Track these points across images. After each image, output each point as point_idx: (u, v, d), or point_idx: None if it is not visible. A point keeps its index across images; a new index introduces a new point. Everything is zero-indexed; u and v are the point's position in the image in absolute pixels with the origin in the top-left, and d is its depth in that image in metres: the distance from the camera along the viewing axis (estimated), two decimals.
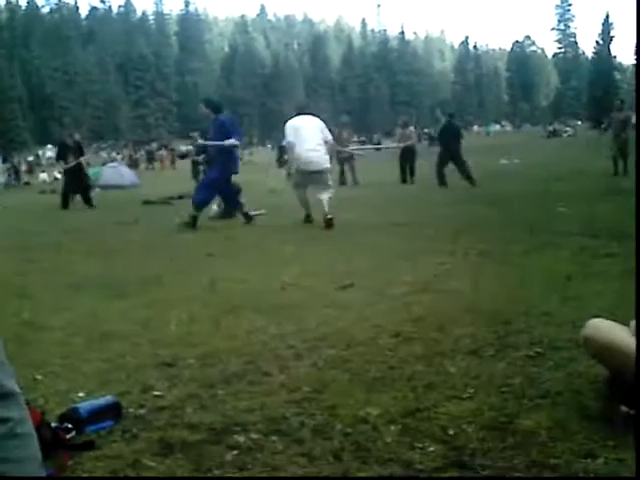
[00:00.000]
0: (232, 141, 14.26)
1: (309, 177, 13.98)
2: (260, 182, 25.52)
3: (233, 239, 12.27)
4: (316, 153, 13.76)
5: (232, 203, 15.53)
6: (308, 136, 13.79)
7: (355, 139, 34.63)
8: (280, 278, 8.27)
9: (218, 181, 14.78)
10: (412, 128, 27.82)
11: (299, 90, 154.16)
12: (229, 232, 13.29)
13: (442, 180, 22.41)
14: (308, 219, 14.25)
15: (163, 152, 74.91)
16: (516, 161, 32.25)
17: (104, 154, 79.82)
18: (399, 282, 7.58)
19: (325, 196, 13.68)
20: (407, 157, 26.12)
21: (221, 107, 15.61)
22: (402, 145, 26.31)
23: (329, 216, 13.24)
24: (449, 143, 23.18)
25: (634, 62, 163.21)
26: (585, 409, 3.78)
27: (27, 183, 49.65)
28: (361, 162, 27.84)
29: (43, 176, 50.89)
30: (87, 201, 22.40)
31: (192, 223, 14.29)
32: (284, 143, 16.03)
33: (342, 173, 26.94)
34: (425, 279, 7.63)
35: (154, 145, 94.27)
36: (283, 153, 53.53)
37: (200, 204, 14.70)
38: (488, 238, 10.31)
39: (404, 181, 25.50)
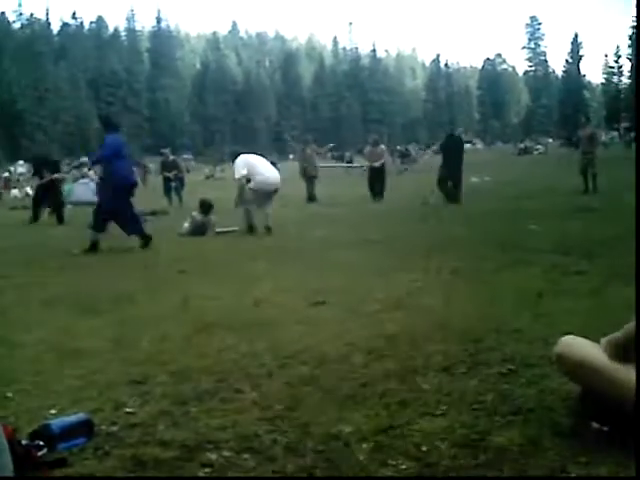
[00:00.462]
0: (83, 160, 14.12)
1: (267, 195, 15.95)
2: (232, 199, 25.45)
3: (205, 256, 12.23)
4: (277, 174, 16.46)
5: (130, 226, 14.44)
6: (265, 164, 16.64)
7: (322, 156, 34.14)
8: (252, 295, 8.25)
9: (106, 203, 14.36)
10: (383, 146, 27.38)
11: (271, 107, 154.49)
12: (201, 249, 13.27)
13: (448, 196, 22.18)
14: (251, 230, 15.64)
15: (134, 168, 74.56)
16: (487, 179, 32.32)
17: (75, 171, 79.54)
18: (371, 299, 7.59)
19: (270, 210, 16.08)
20: (376, 176, 25.70)
21: (111, 125, 15.34)
22: (376, 164, 25.76)
23: (271, 225, 15.59)
24: (449, 158, 23.02)
25: (603, 81, 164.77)
26: (557, 426, 3.80)
27: None
28: (332, 179, 27.83)
29: (14, 192, 50.34)
30: (59, 218, 22.27)
31: (92, 248, 13.58)
32: (236, 177, 16.27)
33: (309, 189, 26.91)
34: (397, 296, 7.64)
35: None
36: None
37: (96, 228, 13.96)
38: (460, 255, 10.34)
39: (374, 198, 25.07)
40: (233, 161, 16.85)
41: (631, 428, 3.44)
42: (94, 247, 13.51)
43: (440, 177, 22.77)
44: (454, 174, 22.47)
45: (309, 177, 27.07)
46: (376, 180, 25.61)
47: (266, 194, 15.91)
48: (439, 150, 24.73)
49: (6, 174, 70.49)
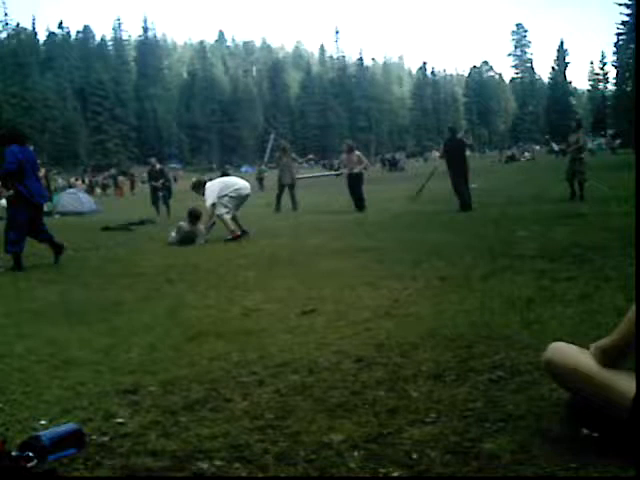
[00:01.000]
0: None
1: (242, 200, 17.36)
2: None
3: (193, 265, 12.22)
4: (247, 184, 17.87)
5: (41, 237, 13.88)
6: (234, 179, 18.62)
7: (300, 162, 33.89)
8: (242, 304, 8.26)
9: (17, 217, 13.39)
10: (358, 152, 26.00)
11: (258, 116, 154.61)
12: (189, 258, 13.26)
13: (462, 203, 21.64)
14: (245, 233, 16.82)
15: (121, 178, 74.42)
16: (474, 186, 32.33)
17: (60, 180, 79.22)
18: (361, 307, 7.61)
19: (238, 213, 17.42)
20: (353, 183, 24.91)
21: (10, 137, 13.75)
22: (355, 171, 25.00)
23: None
24: (452, 160, 22.55)
25: (589, 88, 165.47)
26: (547, 432, 3.80)
27: None
28: (315, 188, 27.75)
29: (2, 202, 50.29)
30: None
31: (16, 266, 12.99)
32: (208, 204, 16.92)
33: (279, 198, 26.71)
34: (387, 304, 7.65)
35: (113, 171, 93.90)
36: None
37: (11, 248, 13.23)
38: (449, 262, 10.35)
39: (356, 206, 24.31)
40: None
41: (621, 433, 3.45)
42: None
43: (452, 182, 22.37)
44: (459, 179, 22.19)
45: (285, 185, 26.89)
46: (355, 187, 24.89)
47: (241, 200, 17.36)
48: (443, 154, 23.93)
49: None
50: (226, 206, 16.80)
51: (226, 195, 16.86)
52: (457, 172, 22.16)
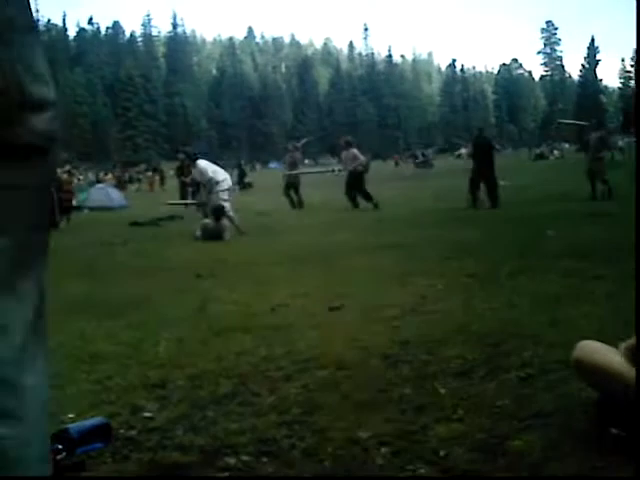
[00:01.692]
0: None
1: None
2: (248, 203, 25.52)
3: (221, 260, 12.24)
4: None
5: None
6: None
7: (307, 162, 33.27)
8: (269, 299, 8.26)
9: None
10: (354, 150, 25.27)
11: (287, 112, 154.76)
12: (216, 253, 13.29)
13: (474, 201, 21.95)
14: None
15: (150, 173, 74.54)
16: (502, 183, 32.23)
17: (91, 175, 79.47)
18: (389, 304, 7.58)
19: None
20: (351, 181, 24.30)
21: None
22: (349, 168, 24.55)
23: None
24: (480, 160, 22.66)
25: (619, 85, 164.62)
26: (576, 431, 3.78)
27: None
28: (333, 185, 27.62)
29: None
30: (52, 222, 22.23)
31: None
32: (208, 177, 17.61)
33: (288, 195, 26.65)
34: (414, 301, 7.63)
35: (142, 166, 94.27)
36: (244, 175, 53.57)
37: None
38: (477, 260, 10.32)
39: (355, 207, 23.87)
40: (193, 161, 18.52)
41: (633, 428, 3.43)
42: None
43: (470, 183, 22.46)
44: (486, 177, 22.15)
45: (291, 185, 26.74)
46: (353, 185, 24.24)
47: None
48: (471, 153, 23.95)
49: None
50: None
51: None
52: (484, 170, 22.18)
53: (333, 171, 30.28)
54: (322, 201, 25.81)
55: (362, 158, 25.19)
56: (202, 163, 17.95)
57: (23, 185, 1.68)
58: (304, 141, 47.15)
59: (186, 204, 28.04)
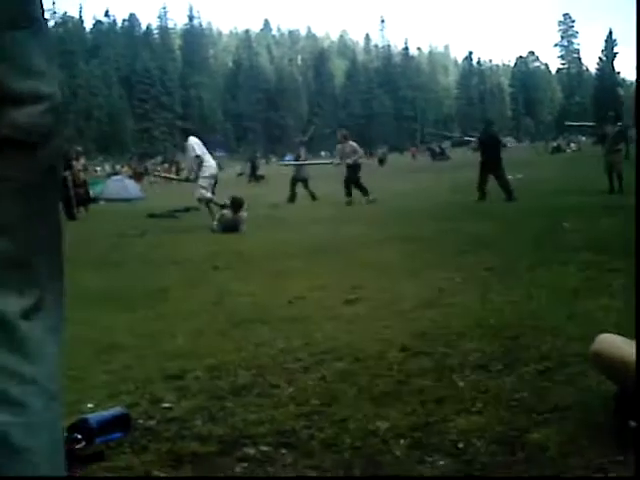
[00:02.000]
0: None
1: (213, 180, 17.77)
2: (263, 196, 25.54)
3: (237, 252, 12.27)
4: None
5: None
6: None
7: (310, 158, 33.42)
8: (286, 291, 8.28)
9: None
10: (352, 143, 25.12)
11: (303, 105, 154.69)
12: (233, 245, 13.32)
13: (482, 195, 21.88)
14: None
15: (166, 165, 74.64)
16: (519, 176, 32.16)
17: (107, 167, 79.62)
18: (406, 296, 7.58)
19: None
20: (349, 174, 24.25)
21: None
22: (349, 162, 24.32)
23: None
24: (486, 154, 22.64)
25: (637, 78, 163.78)
26: (595, 424, 3.77)
27: None
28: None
29: None
30: (69, 214, 22.24)
31: None
32: (195, 154, 17.63)
33: (292, 189, 26.87)
34: (432, 293, 7.62)
35: (159, 158, 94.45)
36: (256, 168, 53.39)
37: None
38: (494, 253, 10.31)
39: (349, 202, 23.87)
40: (186, 137, 18.32)
41: None
42: None
43: (479, 176, 22.41)
44: (494, 171, 22.15)
45: (299, 180, 27.07)
46: (352, 178, 24.16)
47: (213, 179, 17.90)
48: (477, 147, 23.96)
49: None
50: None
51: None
52: (492, 164, 22.21)
53: (332, 163, 30.11)
54: (333, 193, 25.75)
55: (361, 151, 25.47)
56: (193, 140, 17.84)
57: (4, 177, 1.68)
58: (310, 131, 47.13)
59: (172, 179, 27.93)
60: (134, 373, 5.26)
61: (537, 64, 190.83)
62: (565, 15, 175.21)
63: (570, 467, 3.33)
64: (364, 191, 23.79)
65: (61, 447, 1.97)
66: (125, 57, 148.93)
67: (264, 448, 3.75)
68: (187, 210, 23.37)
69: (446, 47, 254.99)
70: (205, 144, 18.40)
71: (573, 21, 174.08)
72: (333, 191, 26.03)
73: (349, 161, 24.36)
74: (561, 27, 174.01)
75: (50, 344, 1.86)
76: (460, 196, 22.43)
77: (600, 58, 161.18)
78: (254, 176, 49.24)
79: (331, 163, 31.19)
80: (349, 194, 23.93)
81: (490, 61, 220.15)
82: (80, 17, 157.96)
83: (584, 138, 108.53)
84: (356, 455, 3.61)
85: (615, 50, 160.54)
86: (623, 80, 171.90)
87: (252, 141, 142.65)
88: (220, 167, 22.95)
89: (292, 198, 26.12)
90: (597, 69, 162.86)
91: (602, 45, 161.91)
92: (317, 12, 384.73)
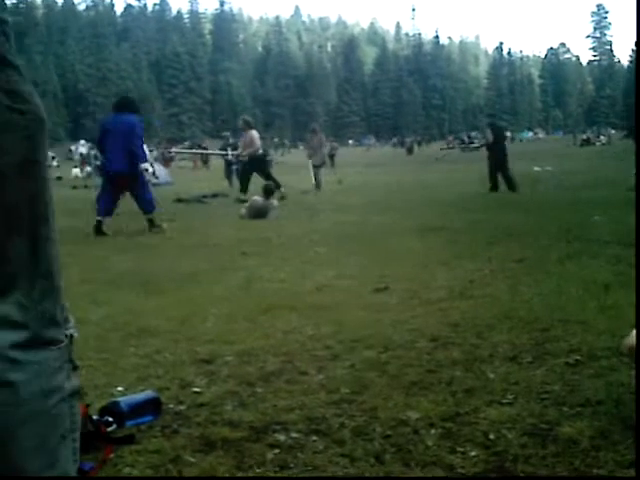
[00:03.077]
0: None
1: None
2: (292, 183, 25.55)
3: (266, 239, 12.28)
4: None
5: None
6: None
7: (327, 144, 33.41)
8: (314, 279, 8.29)
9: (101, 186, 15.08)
10: (253, 132, 23.12)
11: (331, 92, 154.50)
12: (261, 232, 13.32)
13: (494, 188, 22.07)
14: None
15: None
16: (548, 168, 32.07)
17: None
18: (435, 286, 7.57)
19: None
20: (252, 167, 22.58)
21: (113, 105, 15.09)
22: (244, 154, 22.96)
23: None
24: (492, 148, 22.77)
25: None
26: (627, 419, 3.74)
27: (59, 178, 49.50)
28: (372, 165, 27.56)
29: (75, 171, 50.56)
30: None
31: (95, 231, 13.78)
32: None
33: (316, 177, 26.87)
34: (462, 284, 7.60)
35: (187, 143, 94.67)
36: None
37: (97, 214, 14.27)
38: (523, 245, 10.27)
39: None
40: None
41: None
42: None
43: (489, 168, 22.60)
44: (500, 165, 22.30)
45: (315, 166, 27.02)
46: (249, 171, 22.81)
47: None
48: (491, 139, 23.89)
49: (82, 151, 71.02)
50: None
51: None
52: (497, 157, 22.35)
53: (227, 155, 29.89)
54: (362, 181, 25.75)
55: (257, 144, 22.87)
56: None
57: None
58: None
59: (193, 153, 27.95)
60: (164, 357, 5.28)
61: (568, 56, 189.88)
62: (599, 6, 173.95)
63: (602, 461, 3.32)
64: (277, 184, 20.72)
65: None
66: (155, 41, 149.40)
67: (295, 435, 3.76)
68: (215, 196, 23.43)
69: (477, 37, 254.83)
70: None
71: (607, 12, 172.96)
72: (364, 178, 26.03)
73: (245, 153, 23.06)
74: (594, 18, 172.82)
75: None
76: (487, 187, 22.34)
77: (633, 50, 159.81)
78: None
79: (226, 154, 30.86)
80: (243, 190, 22.14)
81: (521, 52, 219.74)
82: (111, 0, 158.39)
83: (614, 131, 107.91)
84: (387, 444, 3.60)
85: None
86: None
87: (280, 127, 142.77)
88: None
89: (318, 185, 26.13)
90: (630, 61, 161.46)
91: (635, 37, 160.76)
92: (348, 0, 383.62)
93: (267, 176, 21.63)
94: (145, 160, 14.44)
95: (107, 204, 14.10)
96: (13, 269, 2.04)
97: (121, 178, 14.08)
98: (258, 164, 22.45)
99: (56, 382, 2.18)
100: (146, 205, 14.42)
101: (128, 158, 13.83)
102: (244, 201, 20.09)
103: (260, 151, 22.79)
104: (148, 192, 14.56)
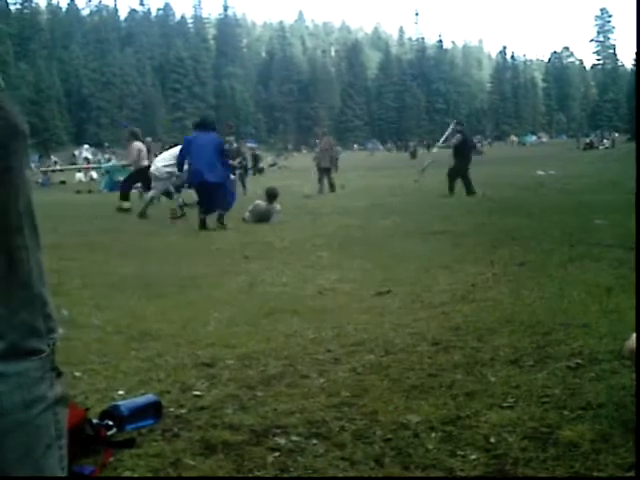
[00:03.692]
0: None
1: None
2: (295, 187, 25.58)
3: (268, 243, 12.29)
4: None
5: None
6: None
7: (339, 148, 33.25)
8: (316, 282, 8.30)
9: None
10: (137, 142, 21.92)
11: (335, 96, 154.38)
12: (264, 236, 13.33)
13: (451, 189, 22.44)
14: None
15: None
16: (552, 172, 32.03)
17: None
18: (437, 290, 7.58)
19: None
20: (137, 178, 21.97)
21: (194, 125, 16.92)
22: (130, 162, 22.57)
23: None
24: (464, 150, 23.11)
25: None
26: (628, 422, 3.73)
27: (63, 182, 49.48)
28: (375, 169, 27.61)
29: (79, 176, 50.61)
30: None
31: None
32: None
33: (320, 181, 27.20)
34: (464, 288, 7.60)
35: None
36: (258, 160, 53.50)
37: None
38: (526, 248, 10.25)
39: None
40: None
41: None
42: None
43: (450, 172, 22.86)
44: (461, 170, 22.58)
45: (322, 169, 27.31)
46: (135, 181, 22.47)
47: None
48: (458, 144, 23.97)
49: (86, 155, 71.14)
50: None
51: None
52: (464, 162, 22.60)
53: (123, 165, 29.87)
54: (365, 185, 25.75)
55: (135, 155, 21.68)
56: None
57: None
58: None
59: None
60: (165, 360, 5.28)
61: (571, 59, 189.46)
62: (602, 10, 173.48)
63: (602, 464, 3.31)
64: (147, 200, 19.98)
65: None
66: (159, 46, 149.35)
67: (295, 438, 3.76)
68: None
69: (480, 41, 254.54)
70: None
71: (610, 16, 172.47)
72: (367, 183, 26.03)
73: (130, 162, 22.64)
74: (598, 22, 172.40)
75: None
76: (492, 191, 22.33)
77: (637, 53, 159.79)
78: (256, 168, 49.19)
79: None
80: (124, 197, 21.65)
81: (524, 56, 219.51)
82: (115, 6, 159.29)
83: (617, 134, 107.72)
84: (387, 447, 3.60)
85: None
86: None
87: (283, 132, 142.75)
88: (255, 158, 22.93)
89: (321, 189, 26.28)
90: (634, 65, 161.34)
91: (636, 37, 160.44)
92: (351, 4, 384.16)
93: (148, 187, 21.00)
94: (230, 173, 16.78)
95: (209, 205, 15.54)
96: None
97: (203, 188, 15.36)
98: (142, 176, 21.34)
99: (38, 392, 2.17)
100: (224, 204, 15.71)
101: (212, 170, 15.19)
102: (126, 210, 20.48)
103: (144, 163, 21.26)
104: (230, 194, 16.21)
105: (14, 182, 2.06)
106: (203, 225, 15.28)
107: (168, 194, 19.70)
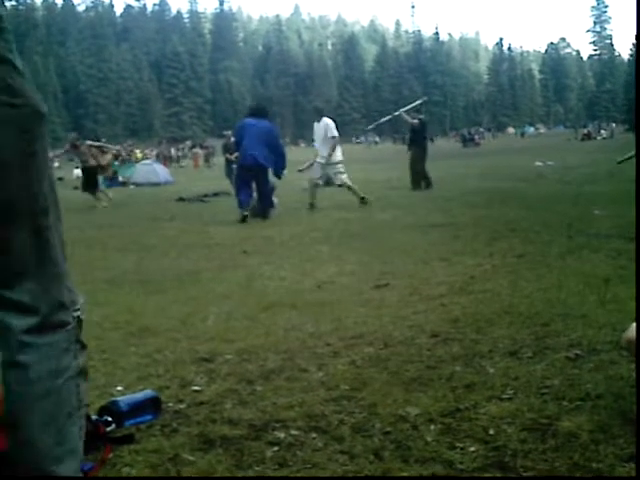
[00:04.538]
0: None
1: None
2: (293, 180, 25.51)
3: (267, 237, 12.29)
4: None
5: None
6: None
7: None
8: (315, 276, 8.30)
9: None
10: (89, 142, 23.50)
11: (332, 90, 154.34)
12: (262, 230, 13.34)
13: (416, 183, 22.69)
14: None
15: (197, 150, 74.81)
16: (550, 163, 32.02)
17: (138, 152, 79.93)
18: (436, 282, 7.58)
19: None
20: (88, 178, 22.63)
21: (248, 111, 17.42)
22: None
23: None
24: (420, 141, 23.52)
25: None
26: (627, 413, 3.73)
27: (60, 179, 49.42)
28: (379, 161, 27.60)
29: (77, 172, 50.48)
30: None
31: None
32: (332, 135, 18.08)
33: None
34: (462, 280, 7.60)
35: (188, 143, 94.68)
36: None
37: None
38: (524, 239, 10.26)
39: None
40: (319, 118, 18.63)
41: None
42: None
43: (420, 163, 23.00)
44: (419, 160, 23.00)
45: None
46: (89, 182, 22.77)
47: None
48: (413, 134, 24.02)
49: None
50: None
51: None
52: (420, 153, 23.08)
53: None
54: (365, 179, 25.73)
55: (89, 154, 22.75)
56: (329, 120, 18.42)
57: None
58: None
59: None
60: (164, 356, 5.28)
61: (568, 50, 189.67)
62: (598, 0, 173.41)
63: (601, 455, 3.31)
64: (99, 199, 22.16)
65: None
66: (155, 41, 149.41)
67: (294, 432, 3.75)
68: (216, 195, 23.44)
69: (477, 33, 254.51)
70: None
71: (606, 6, 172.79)
72: (366, 176, 26.01)
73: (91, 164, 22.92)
74: (594, 12, 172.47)
75: None
76: (489, 183, 22.34)
77: (634, 43, 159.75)
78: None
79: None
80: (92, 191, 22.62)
81: (521, 47, 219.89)
82: (110, 2, 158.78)
83: (615, 125, 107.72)
84: (386, 440, 3.60)
85: None
86: None
87: (280, 125, 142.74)
88: None
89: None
90: (630, 55, 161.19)
91: (636, 30, 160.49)
92: None
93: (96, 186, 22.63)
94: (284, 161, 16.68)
95: (246, 196, 15.98)
96: (20, 259, 2.14)
97: (253, 170, 15.82)
98: (93, 175, 22.79)
99: (64, 362, 2.31)
100: (265, 200, 16.17)
101: (264, 154, 15.77)
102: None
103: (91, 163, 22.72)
104: (270, 189, 16.52)
105: (39, 166, 2.11)
106: (244, 220, 15.26)
107: None
